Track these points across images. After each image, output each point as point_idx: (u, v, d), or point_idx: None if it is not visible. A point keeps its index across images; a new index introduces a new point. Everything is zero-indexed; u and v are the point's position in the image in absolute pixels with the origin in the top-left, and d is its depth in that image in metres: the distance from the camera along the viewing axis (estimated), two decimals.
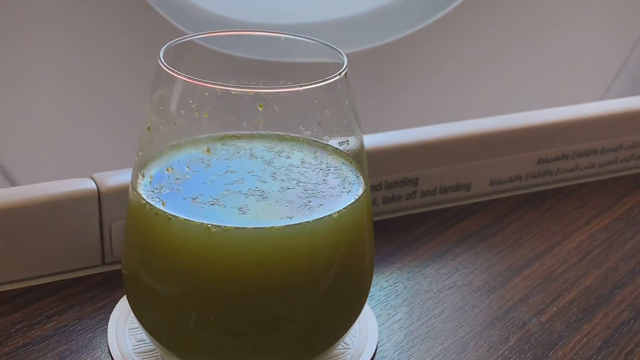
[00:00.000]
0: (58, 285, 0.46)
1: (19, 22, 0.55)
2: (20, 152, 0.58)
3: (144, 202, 0.36)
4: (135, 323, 0.41)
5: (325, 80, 0.35)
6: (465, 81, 0.73)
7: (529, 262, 0.51)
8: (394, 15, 0.69)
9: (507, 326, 0.45)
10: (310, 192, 0.37)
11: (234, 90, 0.35)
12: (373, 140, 0.53)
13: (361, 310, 0.40)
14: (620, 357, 0.43)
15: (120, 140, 0.59)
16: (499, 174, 0.58)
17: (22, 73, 0.57)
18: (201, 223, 0.34)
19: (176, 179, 0.37)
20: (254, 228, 0.34)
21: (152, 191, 0.36)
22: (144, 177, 0.37)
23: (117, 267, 0.45)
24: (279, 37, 0.40)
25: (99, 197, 0.46)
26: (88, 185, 0.46)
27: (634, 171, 0.63)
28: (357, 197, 0.37)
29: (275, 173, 0.38)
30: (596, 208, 0.58)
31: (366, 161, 0.39)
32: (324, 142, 0.39)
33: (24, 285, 0.45)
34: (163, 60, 0.36)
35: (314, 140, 0.39)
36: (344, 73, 0.36)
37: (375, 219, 0.49)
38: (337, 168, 0.38)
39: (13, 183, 0.57)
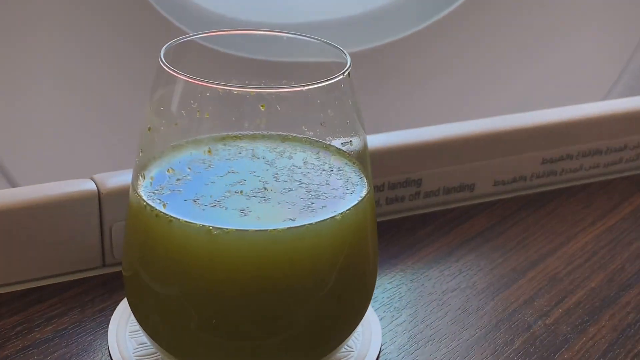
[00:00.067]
0: (58, 287, 0.45)
1: (19, 22, 0.55)
2: (20, 153, 0.58)
3: (144, 203, 0.35)
4: (136, 326, 0.41)
5: (328, 80, 0.35)
6: (469, 81, 0.73)
7: (534, 263, 0.50)
8: (396, 15, 0.68)
9: (512, 328, 0.44)
10: (313, 193, 0.36)
11: (235, 90, 0.34)
12: (376, 141, 0.52)
13: (365, 312, 0.40)
14: None
15: (120, 141, 0.59)
16: (503, 174, 0.58)
17: (22, 73, 0.57)
18: (202, 225, 0.34)
19: (177, 180, 0.37)
20: (256, 230, 0.34)
21: (153, 192, 0.36)
22: (144, 178, 0.37)
23: (118, 269, 0.45)
24: (281, 37, 0.40)
25: (99, 198, 0.46)
26: (88, 186, 0.46)
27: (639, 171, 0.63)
28: (360, 198, 0.37)
29: (277, 174, 0.37)
30: (601, 208, 0.57)
31: (370, 162, 0.39)
32: (327, 142, 0.39)
33: (24, 288, 0.45)
34: (164, 60, 0.35)
35: (317, 141, 0.39)
36: (347, 73, 0.36)
37: (378, 220, 0.49)
38: (340, 169, 0.38)
39: (13, 184, 0.57)
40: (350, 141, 0.38)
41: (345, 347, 0.42)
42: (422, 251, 0.51)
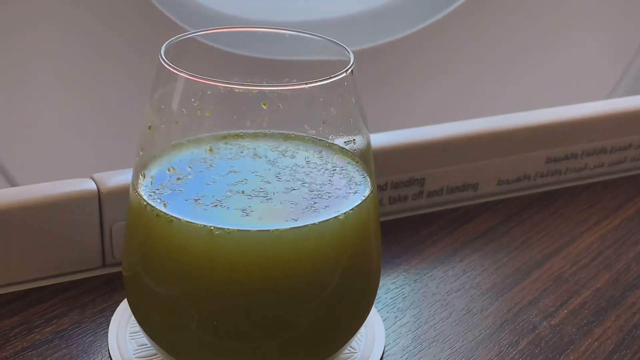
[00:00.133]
0: (58, 287, 0.45)
1: (19, 22, 0.54)
2: (19, 152, 0.58)
3: (144, 203, 0.35)
4: (137, 327, 0.40)
5: (331, 78, 0.35)
6: (470, 80, 0.72)
7: (539, 263, 0.50)
8: (397, 14, 0.68)
9: (517, 329, 0.44)
10: (315, 193, 0.36)
11: (237, 88, 0.34)
12: (379, 140, 0.52)
13: (368, 313, 0.39)
14: None
15: (121, 140, 0.58)
16: (506, 173, 0.57)
17: (22, 72, 0.56)
18: (204, 225, 0.34)
19: (178, 179, 0.36)
20: (258, 230, 0.34)
21: (154, 192, 0.35)
22: (144, 177, 0.36)
23: (118, 269, 0.45)
24: (283, 34, 0.39)
25: (99, 197, 0.45)
26: (88, 185, 0.45)
27: None
28: (363, 198, 0.36)
29: (279, 173, 0.37)
30: (606, 208, 0.57)
31: (373, 161, 0.38)
32: (330, 141, 0.38)
33: (23, 288, 0.45)
34: (164, 58, 0.35)
35: (320, 140, 0.39)
36: (350, 70, 0.36)
37: (381, 219, 0.48)
38: (343, 168, 0.38)
39: (13, 183, 0.57)
40: (354, 140, 0.38)
41: (349, 348, 0.41)
42: (426, 251, 0.51)
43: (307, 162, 0.38)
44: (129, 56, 0.59)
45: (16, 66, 0.56)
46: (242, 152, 0.38)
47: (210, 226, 0.33)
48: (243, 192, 0.35)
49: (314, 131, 0.39)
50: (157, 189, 0.36)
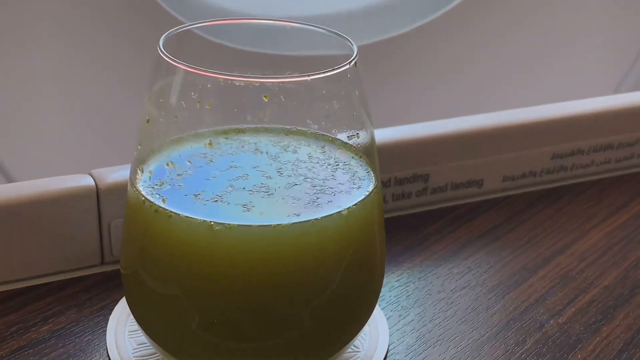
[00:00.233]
0: (55, 285, 0.44)
1: (17, 18, 0.54)
2: (17, 148, 0.57)
3: (143, 198, 0.34)
4: (135, 325, 0.40)
5: (333, 70, 0.34)
6: (479, 74, 0.72)
7: (545, 261, 0.49)
8: (402, 8, 0.68)
9: (524, 328, 0.43)
10: (318, 188, 0.35)
11: (237, 81, 0.33)
12: (382, 135, 0.51)
13: (372, 311, 0.39)
14: None
15: (120, 136, 0.58)
16: (512, 169, 0.57)
17: (21, 68, 0.56)
18: (203, 221, 0.33)
19: (177, 174, 0.35)
20: (259, 226, 0.33)
21: (152, 187, 0.35)
22: (143, 172, 0.35)
23: (117, 266, 0.44)
24: (285, 26, 0.39)
25: (98, 194, 0.45)
26: (86, 181, 0.45)
27: None
28: (367, 193, 0.36)
29: (281, 168, 0.36)
30: (613, 205, 0.56)
31: (377, 155, 0.37)
32: (333, 135, 0.38)
33: (20, 286, 0.44)
34: (163, 49, 0.34)
35: (322, 134, 0.38)
36: (353, 62, 0.35)
37: (385, 216, 0.47)
38: (347, 163, 0.37)
39: (9, 179, 0.56)
40: (357, 134, 0.37)
41: (352, 347, 0.41)
42: (430, 248, 0.50)
43: (310, 156, 0.37)
44: (129, 51, 0.59)
45: (15, 62, 0.55)
46: (243, 147, 0.37)
47: (211, 221, 0.33)
48: (244, 187, 0.35)
49: (316, 125, 0.38)
50: (156, 184, 0.35)
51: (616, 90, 0.79)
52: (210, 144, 0.37)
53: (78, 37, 0.57)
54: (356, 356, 0.40)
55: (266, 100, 0.36)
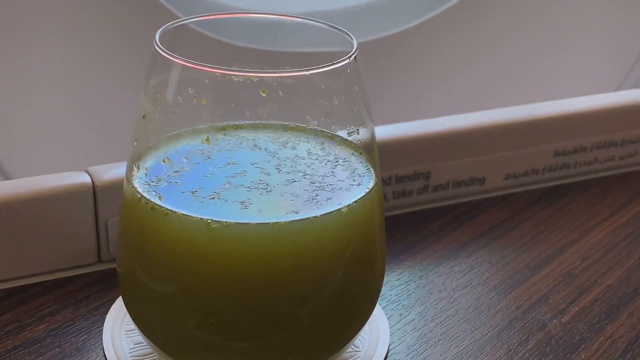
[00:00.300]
0: (51, 284, 0.44)
1: (17, 18, 0.53)
2: (13, 145, 0.57)
3: (139, 195, 0.34)
4: (132, 325, 0.39)
5: (333, 64, 0.33)
6: (479, 73, 0.72)
7: (548, 259, 0.49)
8: (403, 5, 0.67)
9: (526, 327, 0.43)
10: (317, 185, 0.35)
11: (235, 76, 0.32)
12: (383, 132, 0.51)
13: (372, 310, 0.38)
14: None
15: (118, 133, 0.57)
16: (514, 167, 0.56)
17: (19, 66, 0.56)
18: (200, 218, 0.32)
19: (174, 171, 0.35)
20: (257, 224, 0.32)
21: (148, 184, 0.34)
22: (139, 169, 0.35)
23: (114, 265, 0.44)
24: (284, 21, 0.38)
25: (94, 191, 0.44)
26: (83, 179, 0.44)
27: None
28: (367, 190, 0.35)
29: (280, 165, 0.35)
30: (617, 203, 0.56)
31: (377, 152, 0.37)
32: (332, 132, 0.37)
33: (15, 285, 0.44)
34: (159, 44, 0.34)
35: (322, 130, 0.37)
36: (353, 57, 0.34)
37: (386, 214, 0.47)
38: (346, 159, 0.36)
39: (6, 177, 0.56)
40: (357, 130, 0.36)
41: (352, 347, 0.40)
42: (431, 247, 0.50)
43: (309, 153, 0.36)
44: (129, 51, 0.58)
45: (13, 59, 0.55)
46: (241, 143, 0.37)
47: (208, 219, 0.32)
48: (242, 184, 0.34)
49: (315, 122, 0.37)
50: (152, 181, 0.34)
51: (617, 91, 0.78)
52: (207, 140, 0.36)
53: (78, 37, 0.56)
54: (356, 356, 0.40)
55: (265, 96, 0.35)
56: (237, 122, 0.38)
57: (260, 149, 0.37)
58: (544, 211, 0.54)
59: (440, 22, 0.67)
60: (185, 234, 0.33)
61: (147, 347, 0.39)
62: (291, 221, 0.33)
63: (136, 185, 0.34)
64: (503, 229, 0.52)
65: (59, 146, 0.60)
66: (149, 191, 0.34)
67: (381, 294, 0.42)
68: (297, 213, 0.33)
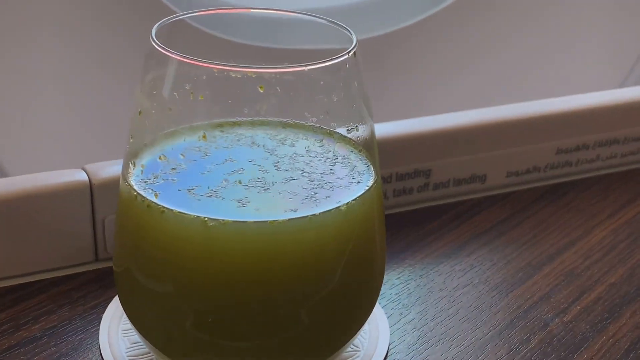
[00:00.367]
0: (47, 283, 0.44)
1: (17, 18, 0.53)
2: (11, 143, 0.56)
3: (135, 193, 0.33)
4: (129, 324, 0.39)
5: (332, 60, 0.33)
6: (480, 71, 0.71)
7: (550, 258, 0.48)
8: (403, 2, 0.67)
9: (528, 327, 0.42)
10: (316, 182, 0.34)
11: (233, 71, 0.32)
12: (383, 130, 0.51)
13: (372, 310, 0.38)
14: None
15: (118, 133, 0.57)
16: (516, 165, 0.56)
17: (17, 64, 0.55)
18: (197, 216, 0.32)
19: (171, 168, 0.34)
20: (255, 222, 0.32)
21: (144, 181, 0.34)
22: (135, 166, 0.34)
23: (111, 264, 0.43)
24: (283, 17, 0.38)
25: (91, 189, 0.44)
26: (79, 176, 0.44)
27: None
28: (367, 188, 0.35)
29: (278, 162, 0.35)
30: (619, 200, 0.56)
31: (377, 149, 0.36)
32: (331, 128, 0.37)
33: (10, 284, 0.43)
34: (155, 39, 0.33)
35: (321, 127, 0.37)
36: (352, 52, 0.34)
37: (386, 212, 0.47)
38: (345, 157, 0.36)
39: (4, 175, 0.55)
40: (356, 127, 0.36)
41: (351, 346, 0.40)
42: (432, 245, 0.49)
43: (307, 150, 0.36)
44: (129, 51, 0.58)
45: (13, 59, 0.55)
46: (238, 140, 0.36)
47: (205, 217, 0.32)
48: (239, 181, 0.34)
49: (314, 118, 0.37)
50: (148, 179, 0.34)
51: (627, 79, 0.78)
52: (204, 137, 0.36)
53: (78, 37, 0.56)
54: (356, 355, 0.39)
55: (263, 92, 0.35)
56: (234, 119, 0.37)
57: (258, 146, 0.36)
58: (545, 209, 0.54)
59: (440, 22, 0.67)
60: (182, 232, 0.32)
61: (144, 346, 0.38)
62: (289, 219, 0.32)
63: (132, 182, 0.34)
64: (504, 227, 0.52)
65: (59, 146, 0.59)
66: (145, 189, 0.33)
67: (381, 292, 0.42)
68: (296, 211, 0.33)
